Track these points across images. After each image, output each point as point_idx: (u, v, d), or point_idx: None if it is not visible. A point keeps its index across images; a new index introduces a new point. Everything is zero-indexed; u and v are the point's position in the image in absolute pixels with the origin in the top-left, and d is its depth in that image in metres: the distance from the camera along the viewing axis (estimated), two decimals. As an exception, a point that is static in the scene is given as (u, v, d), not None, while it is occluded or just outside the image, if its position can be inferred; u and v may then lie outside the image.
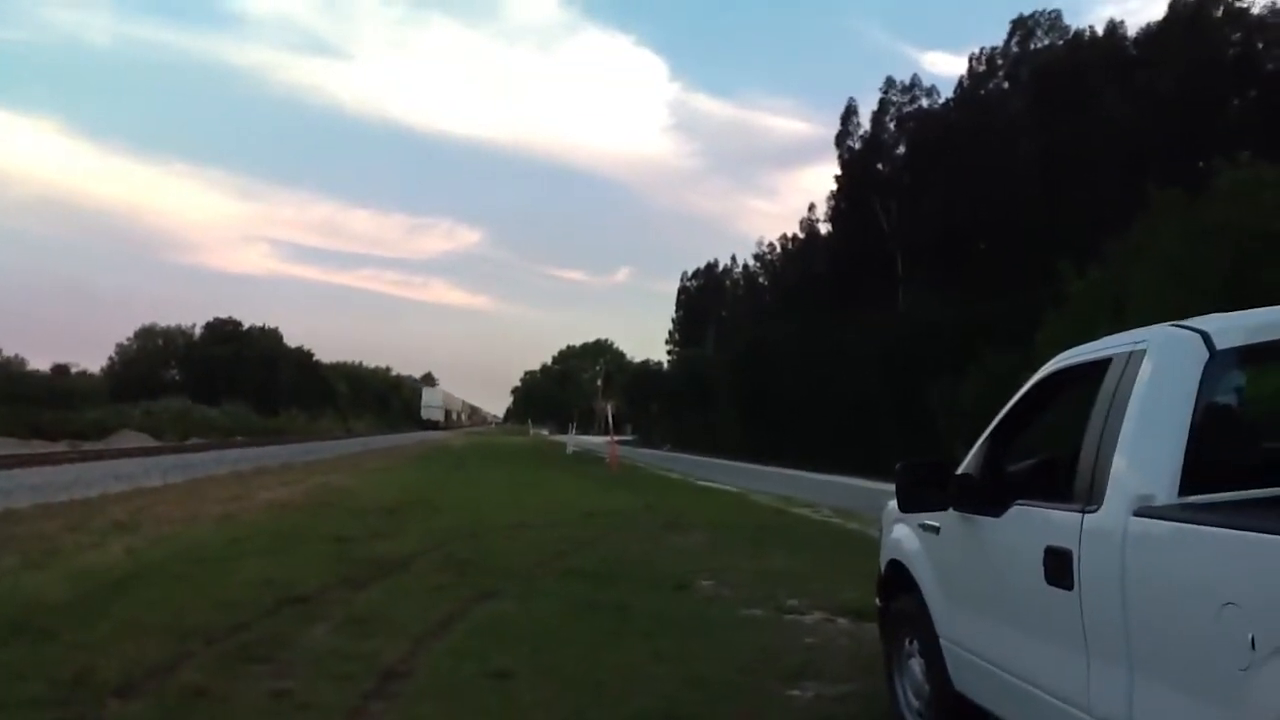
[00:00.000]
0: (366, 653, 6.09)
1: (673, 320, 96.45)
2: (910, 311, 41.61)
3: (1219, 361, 3.12)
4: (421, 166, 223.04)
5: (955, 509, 4.06)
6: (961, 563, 4.16)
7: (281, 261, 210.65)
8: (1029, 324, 24.33)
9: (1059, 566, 3.25)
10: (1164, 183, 25.86)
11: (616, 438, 43.17)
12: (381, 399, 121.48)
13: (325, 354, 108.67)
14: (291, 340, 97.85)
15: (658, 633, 6.88)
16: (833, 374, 40.81)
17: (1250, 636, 2.41)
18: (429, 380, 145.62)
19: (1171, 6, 41.43)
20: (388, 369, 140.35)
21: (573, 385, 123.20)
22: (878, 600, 5.16)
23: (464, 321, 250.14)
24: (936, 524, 4.31)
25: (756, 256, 78.32)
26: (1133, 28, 44.80)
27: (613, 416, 46.99)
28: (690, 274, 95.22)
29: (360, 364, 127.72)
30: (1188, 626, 2.68)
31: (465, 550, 10.80)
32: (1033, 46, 47.73)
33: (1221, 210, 21.95)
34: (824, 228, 60.95)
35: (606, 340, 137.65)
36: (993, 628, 3.83)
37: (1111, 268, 24.56)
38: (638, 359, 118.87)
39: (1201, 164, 29.46)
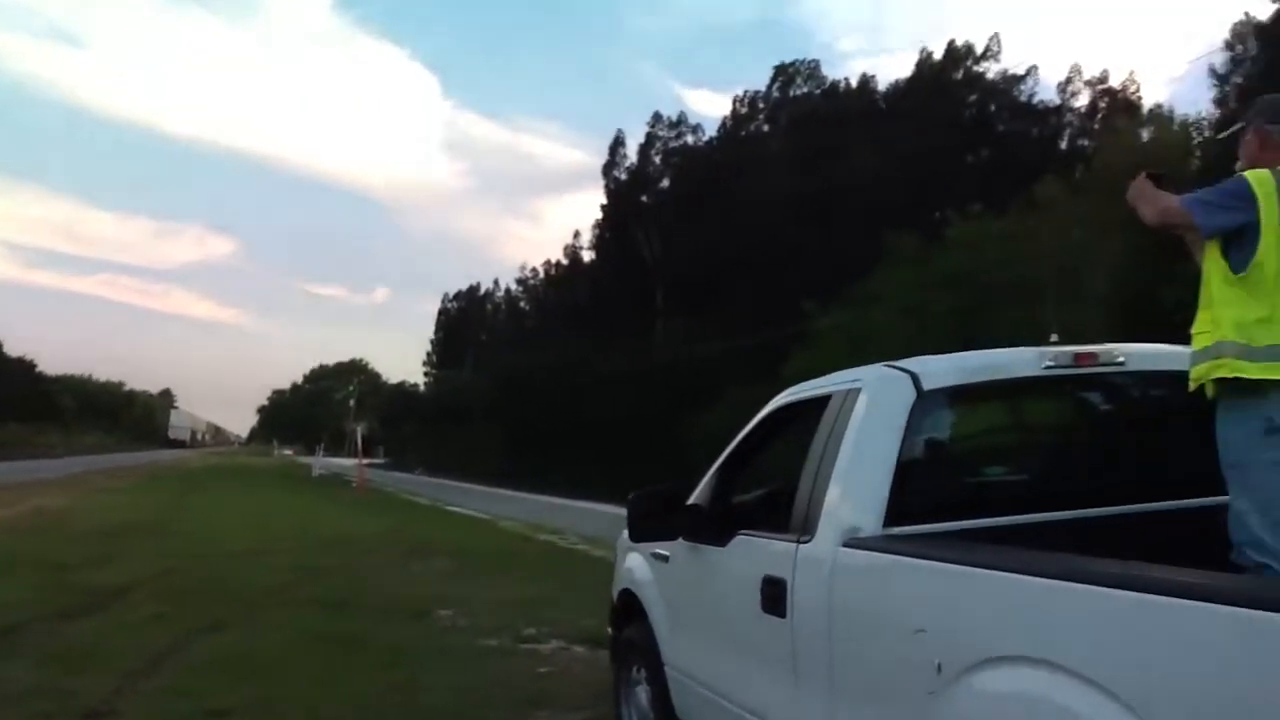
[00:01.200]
0: (69, 691, 5.64)
1: (432, 342, 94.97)
2: (668, 342, 42.64)
3: (926, 401, 3.30)
4: (172, 170, 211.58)
5: (684, 539, 4.12)
6: (688, 591, 4.23)
7: (5, 263, 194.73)
8: (779, 358, 25.41)
9: (774, 595, 3.34)
10: (904, 230, 27.69)
11: (366, 460, 42.06)
12: (113, 415, 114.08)
13: (53, 365, 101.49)
14: (15, 350, 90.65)
15: (392, 664, 6.71)
16: (591, 401, 41.25)
17: (937, 662, 2.53)
18: (166, 396, 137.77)
19: (918, 66, 44.54)
20: (120, 383, 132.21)
21: (324, 405, 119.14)
22: (609, 628, 5.19)
23: (210, 335, 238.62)
24: (666, 553, 4.38)
25: (519, 281, 78.31)
26: (883, 82, 47.80)
27: (363, 438, 45.77)
28: (452, 295, 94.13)
29: (90, 377, 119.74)
30: (885, 653, 2.81)
31: (193, 577, 10.22)
32: (792, 93, 50.14)
33: (953, 259, 23.68)
34: (588, 255, 61.71)
35: (362, 360, 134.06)
36: (713, 655, 3.91)
37: (854, 308, 26.01)
38: (394, 380, 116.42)
39: (938, 215, 31.68)
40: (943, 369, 3.42)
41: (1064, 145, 39.35)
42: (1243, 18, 13.28)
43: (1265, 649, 1.91)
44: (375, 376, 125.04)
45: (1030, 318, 19.15)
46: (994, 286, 21.73)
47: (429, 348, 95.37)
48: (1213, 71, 13.37)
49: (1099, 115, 38.10)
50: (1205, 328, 3.32)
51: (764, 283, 38.43)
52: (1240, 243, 3.26)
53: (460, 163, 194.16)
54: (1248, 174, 3.31)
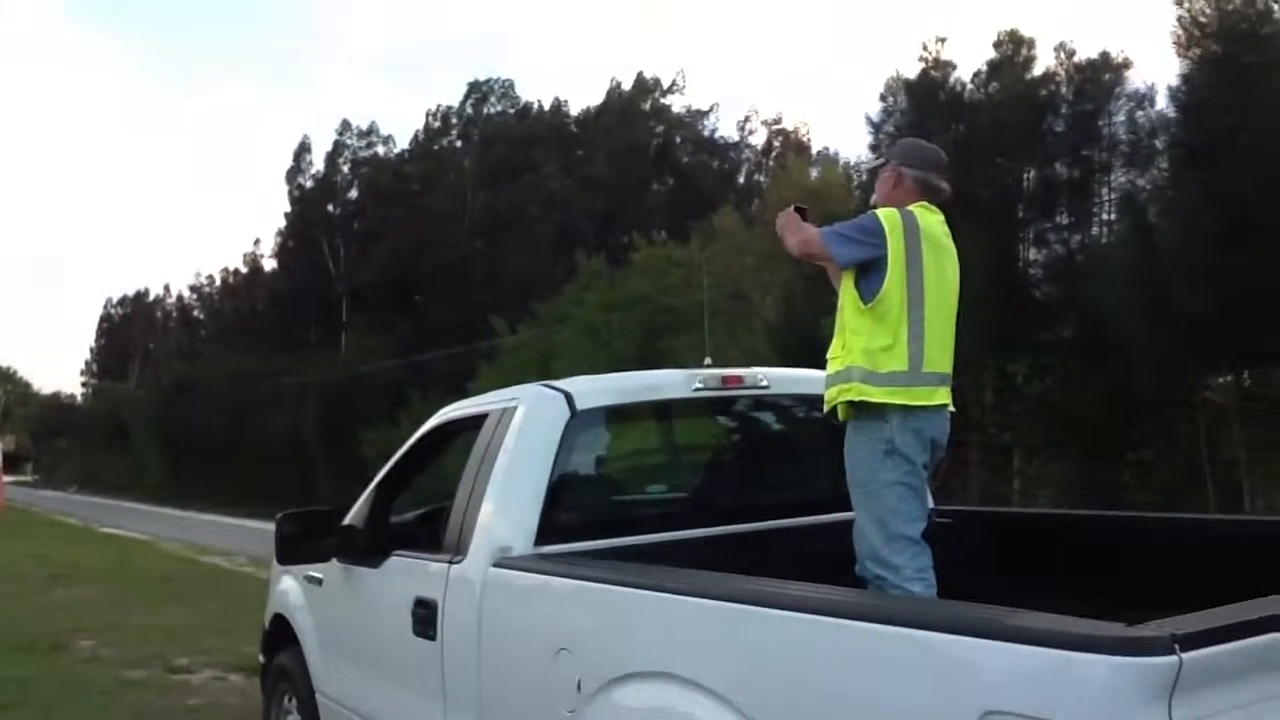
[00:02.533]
0: None
1: (91, 350, 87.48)
2: (352, 357, 41.41)
3: (580, 420, 3.32)
4: None
5: (337, 560, 3.95)
6: (341, 615, 4.06)
7: None
8: (468, 375, 25.26)
9: (425, 617, 3.25)
10: (593, 252, 28.35)
11: (9, 478, 38.10)
12: None
13: None
14: None
15: (20, 703, 6.06)
16: (269, 417, 39.34)
17: (578, 680, 2.54)
18: None
19: (609, 94, 45.77)
20: None
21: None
22: (260, 655, 4.90)
23: None
24: (320, 576, 4.18)
25: (193, 288, 73.64)
26: (575, 107, 48.76)
27: (3, 454, 41.43)
28: (116, 300, 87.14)
29: None
30: (530, 673, 2.79)
31: None
32: (486, 111, 50.17)
33: (636, 282, 24.44)
34: (269, 264, 58.97)
35: (9, 368, 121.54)
36: (366, 682, 3.77)
37: (542, 326, 26.29)
38: (48, 390, 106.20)
39: (625, 239, 32.64)
40: (597, 389, 3.46)
41: (741, 179, 41.65)
42: (894, 74, 14.65)
43: (869, 658, 2.04)
44: (25, 385, 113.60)
45: (705, 340, 20.05)
46: (674, 310, 22.61)
47: (89, 356, 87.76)
48: (869, 120, 14.64)
49: (773, 153, 40.59)
50: (838, 353, 3.53)
51: (454, 298, 38.14)
52: (870, 275, 3.48)
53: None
54: (879, 211, 3.54)
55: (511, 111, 49.43)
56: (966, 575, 3.75)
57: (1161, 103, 11.92)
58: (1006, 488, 13.10)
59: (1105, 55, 13.16)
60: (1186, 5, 11.23)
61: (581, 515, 3.37)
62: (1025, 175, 13.13)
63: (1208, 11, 11.09)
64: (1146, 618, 1.85)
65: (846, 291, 3.55)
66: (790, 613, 2.13)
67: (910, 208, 3.55)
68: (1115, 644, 1.72)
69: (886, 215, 3.50)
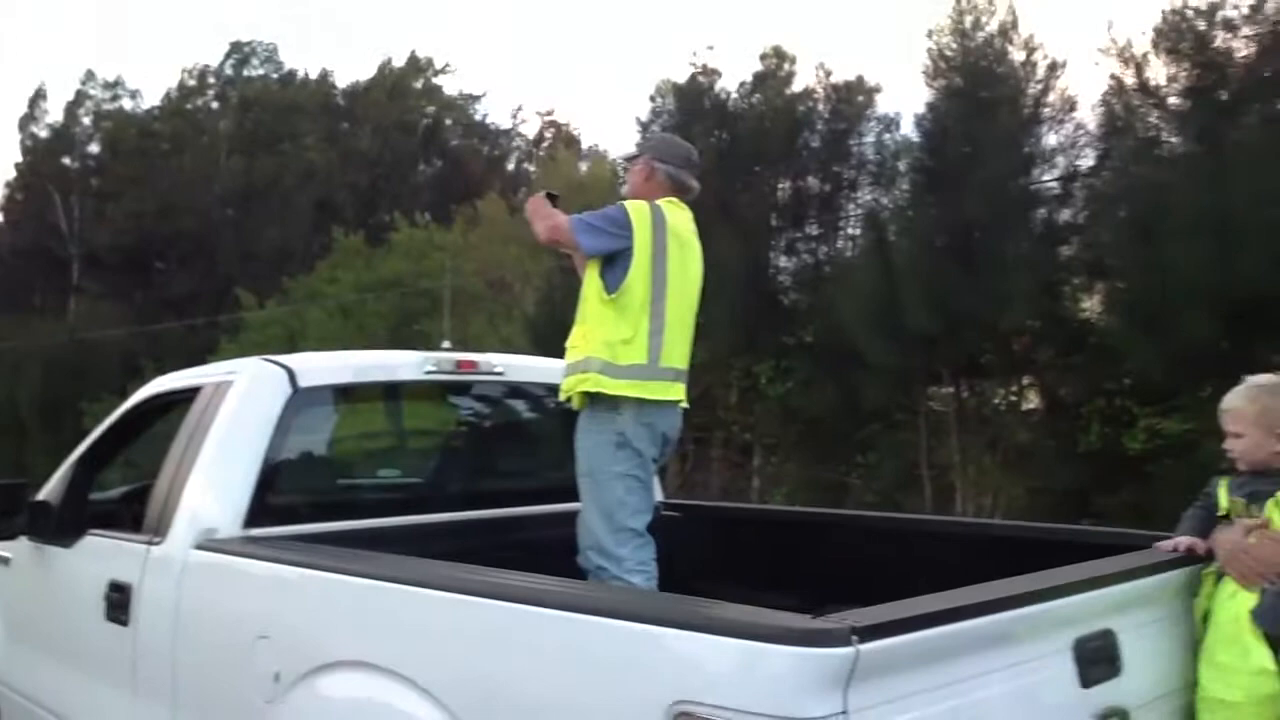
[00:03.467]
0: None
1: None
2: (81, 323, 38.54)
3: (302, 398, 3.18)
4: None
5: (27, 537, 3.64)
6: (29, 598, 3.75)
7: None
8: (207, 349, 23.97)
9: (119, 601, 3.04)
10: (350, 230, 27.49)
11: None
12: None
13: None
14: None
15: None
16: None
17: (276, 670, 2.42)
18: None
19: (380, 69, 44.49)
20: None
21: None
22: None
23: None
24: (8, 555, 3.84)
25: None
26: (343, 80, 47.14)
27: None
28: None
29: None
30: (228, 661, 2.65)
31: None
32: (247, 74, 47.78)
33: (396, 263, 23.88)
34: (-5, 218, 54.06)
35: None
36: (53, 671, 3.50)
37: (294, 302, 25.30)
38: None
39: (387, 218, 31.81)
40: (322, 366, 3.33)
41: (511, 167, 41.44)
42: (664, 78, 14.97)
43: (565, 647, 2.03)
44: None
45: (463, 328, 19.82)
46: (432, 294, 22.23)
47: None
48: (638, 121, 14.85)
49: (544, 144, 40.61)
50: (578, 343, 3.52)
51: (199, 267, 36.14)
52: (615, 266, 3.49)
53: None
54: (627, 203, 3.56)
55: (275, 77, 47.32)
56: (690, 568, 3.84)
57: (907, 128, 12.66)
58: (746, 484, 13.57)
59: (860, 78, 13.86)
60: (935, 38, 11.95)
61: (299, 498, 3.23)
62: (781, 186, 13.63)
63: (954, 46, 11.83)
64: (847, 609, 1.93)
65: (591, 281, 3.55)
66: (486, 600, 2.10)
67: (659, 202, 3.59)
68: (797, 635, 1.78)
69: (635, 208, 3.52)
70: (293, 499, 3.15)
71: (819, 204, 13.43)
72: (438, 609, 2.15)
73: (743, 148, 13.17)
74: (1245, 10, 9.89)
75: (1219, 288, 9.07)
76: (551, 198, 3.70)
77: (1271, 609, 2.48)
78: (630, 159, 3.77)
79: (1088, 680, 2.31)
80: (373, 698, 2.22)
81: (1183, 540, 2.67)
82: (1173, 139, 10.29)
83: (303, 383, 3.15)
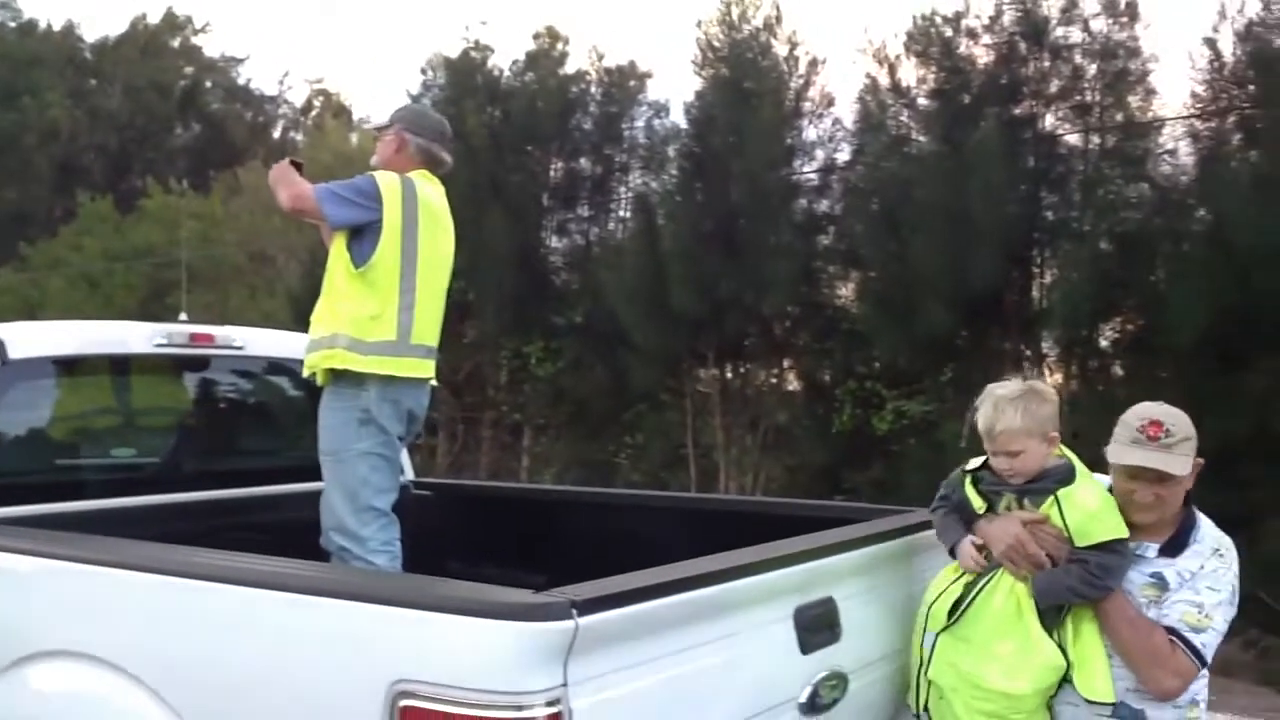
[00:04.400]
0: None
1: None
2: None
3: (13, 370, 2.96)
4: None
5: None
6: None
7: None
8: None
9: None
10: (97, 195, 25.71)
11: None
12: None
13: None
14: None
15: None
16: None
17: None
18: None
19: (132, 25, 41.72)
20: None
21: None
22: None
23: None
24: None
25: None
26: (91, 34, 43.94)
27: None
28: None
29: None
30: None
31: None
32: (-18, 22, 43.87)
33: (147, 232, 22.52)
34: None
35: None
36: None
37: (31, 271, 23.49)
38: None
39: (139, 184, 29.94)
40: (38, 337, 3.11)
41: (277, 135, 39.74)
42: (436, 52, 14.70)
43: (285, 630, 1.96)
44: None
45: (223, 302, 18.92)
46: (191, 266, 21.10)
47: None
48: (409, 95, 14.50)
49: (312, 113, 39.16)
50: (323, 317, 3.42)
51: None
52: (363, 239, 3.40)
53: None
54: (376, 174, 3.47)
55: (12, 25, 43.62)
56: (442, 548, 3.80)
57: (677, 115, 12.89)
58: (516, 464, 13.56)
59: (632, 63, 14.00)
60: (704, 29, 12.22)
61: (11, 479, 3.00)
62: (553, 166, 13.64)
63: (721, 37, 12.13)
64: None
65: (337, 254, 3.46)
66: (199, 583, 2.01)
67: (410, 175, 3.52)
68: (516, 610, 1.80)
69: (385, 180, 3.44)
70: (4, 479, 2.92)
71: (591, 186, 13.50)
72: (146, 593, 2.05)
73: (515, 126, 13.07)
74: (985, 20, 10.56)
75: (957, 280, 9.70)
76: (297, 166, 3.58)
77: (1048, 584, 2.52)
78: (381, 129, 3.68)
79: (808, 646, 2.42)
80: (82, 688, 2.10)
81: (973, 551, 2.65)
82: (920, 138, 10.90)
83: (14, 354, 2.94)
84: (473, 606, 1.86)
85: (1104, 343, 10.78)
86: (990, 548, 2.60)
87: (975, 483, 2.72)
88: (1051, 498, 2.57)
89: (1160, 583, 2.55)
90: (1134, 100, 10.31)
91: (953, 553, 2.72)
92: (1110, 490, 2.62)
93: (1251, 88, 9.25)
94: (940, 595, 2.68)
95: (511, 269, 12.35)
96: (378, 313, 3.36)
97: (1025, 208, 10.22)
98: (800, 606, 2.42)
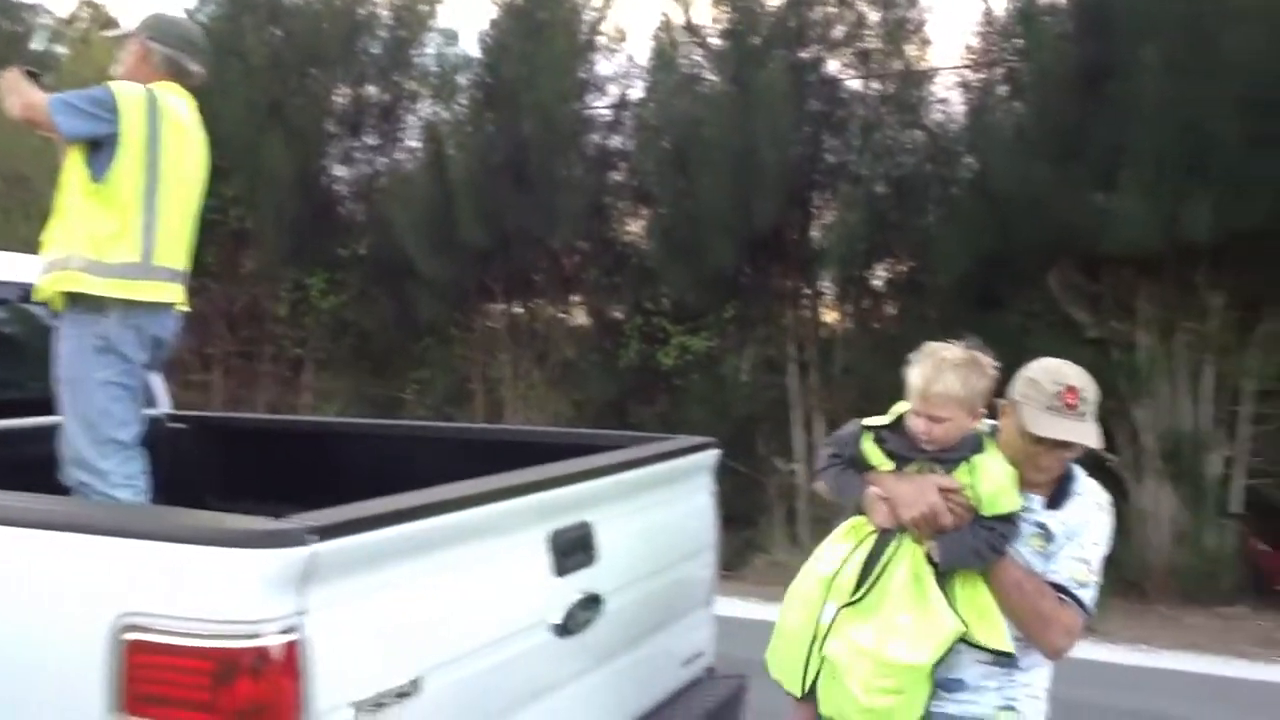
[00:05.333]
0: None
1: None
2: None
3: None
4: None
5: None
6: None
7: None
8: None
9: None
10: None
11: None
12: None
13: None
14: None
15: None
16: None
17: None
18: None
19: None
20: None
21: None
22: None
23: None
24: None
25: None
26: None
27: None
28: None
29: None
30: None
31: None
32: None
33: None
34: None
35: None
36: None
37: None
38: None
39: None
40: None
41: (37, 47, 36.70)
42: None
43: (16, 565, 1.84)
44: None
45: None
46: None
47: None
48: (186, 12, 13.56)
49: (77, 24, 36.35)
50: (57, 237, 3.20)
51: None
52: (100, 153, 3.19)
53: None
54: (114, 85, 3.25)
55: None
56: (196, 482, 3.64)
57: (468, 43, 12.61)
58: (297, 400, 13.14)
59: (422, -13, 13.54)
60: (499, -45, 11.92)
61: None
62: (338, 91, 13.10)
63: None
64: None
65: (73, 169, 3.24)
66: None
67: (154, 86, 3.31)
68: (250, 538, 1.73)
69: (123, 90, 3.23)
70: None
71: (378, 113, 13.06)
72: None
73: (297, 47, 12.48)
74: (778, -38, 10.72)
75: (742, 219, 9.92)
76: (33, 76, 3.32)
77: (953, 549, 2.41)
78: (123, 37, 3.44)
79: (562, 569, 2.45)
80: None
81: (885, 507, 2.47)
82: (711, 77, 11.02)
83: None
84: (204, 535, 1.79)
85: (877, 282, 11.29)
86: (896, 508, 2.42)
87: (879, 441, 2.58)
88: (965, 465, 2.47)
89: (1045, 533, 2.54)
90: (911, 49, 10.73)
91: (857, 512, 2.55)
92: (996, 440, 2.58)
93: (1018, 41, 9.75)
94: (843, 564, 2.48)
95: (292, 197, 11.85)
96: (117, 232, 3.16)
97: (807, 149, 10.53)
98: (555, 530, 2.43)
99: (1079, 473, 2.64)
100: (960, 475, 2.46)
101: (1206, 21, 8.30)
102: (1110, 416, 9.08)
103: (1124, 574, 8.53)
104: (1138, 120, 8.24)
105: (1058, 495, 2.58)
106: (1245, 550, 8.73)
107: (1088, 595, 2.53)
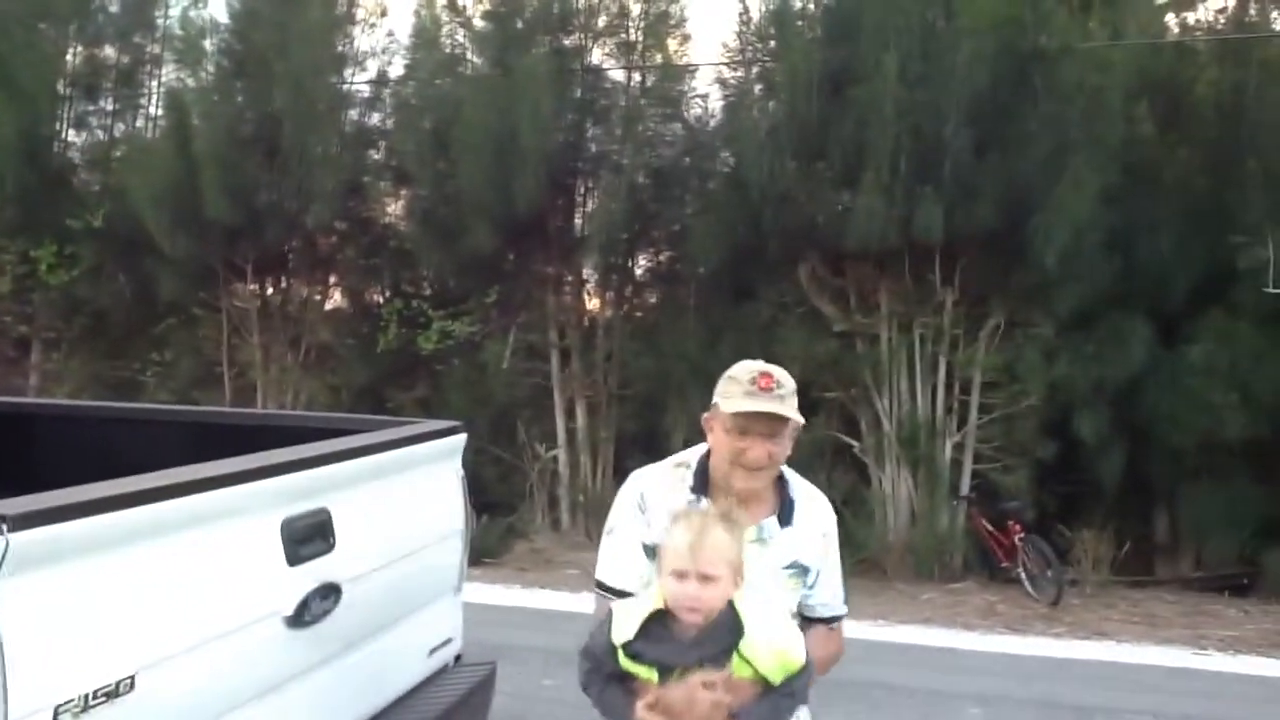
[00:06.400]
0: None
1: None
2: None
3: None
4: None
5: None
6: None
7: None
8: None
9: None
10: None
11: None
12: None
13: None
14: None
15: None
16: None
17: None
18: None
19: None
20: None
21: None
22: None
23: None
24: None
25: None
26: None
27: None
28: None
29: None
30: None
31: None
32: None
33: None
34: None
35: None
36: None
37: None
38: None
39: None
40: None
41: None
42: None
43: None
44: None
45: None
46: None
47: None
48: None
49: None
50: None
51: None
52: None
53: None
54: None
55: None
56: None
57: (217, 7, 11.96)
58: (24, 382, 12.14)
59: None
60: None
61: None
62: (71, 50, 12.17)
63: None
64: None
65: None
66: None
67: None
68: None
69: None
70: None
71: (116, 77, 12.21)
72: None
73: (24, 0, 11.52)
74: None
75: (504, 203, 9.87)
76: None
77: None
78: None
79: (296, 558, 2.36)
80: None
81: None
82: (475, 59, 10.90)
83: None
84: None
85: (639, 271, 11.50)
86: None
87: (633, 656, 2.23)
88: (734, 655, 2.20)
89: (800, 572, 2.50)
90: (672, 44, 10.97)
91: None
92: (703, 479, 2.48)
93: (772, 43, 10.12)
94: None
95: (17, 162, 10.95)
96: None
97: (570, 136, 10.59)
98: (289, 518, 2.34)
99: (792, 476, 2.56)
100: (737, 670, 2.19)
101: (941, 34, 8.89)
102: (855, 405, 9.63)
103: (866, 554, 9.06)
104: (877, 124, 8.72)
105: (784, 509, 2.50)
106: (972, 529, 9.42)
107: (844, 599, 2.60)
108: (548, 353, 10.85)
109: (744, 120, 10.07)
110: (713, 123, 10.78)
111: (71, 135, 12.29)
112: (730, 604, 2.22)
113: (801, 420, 2.45)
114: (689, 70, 10.91)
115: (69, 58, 12.26)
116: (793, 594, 2.52)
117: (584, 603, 7.68)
